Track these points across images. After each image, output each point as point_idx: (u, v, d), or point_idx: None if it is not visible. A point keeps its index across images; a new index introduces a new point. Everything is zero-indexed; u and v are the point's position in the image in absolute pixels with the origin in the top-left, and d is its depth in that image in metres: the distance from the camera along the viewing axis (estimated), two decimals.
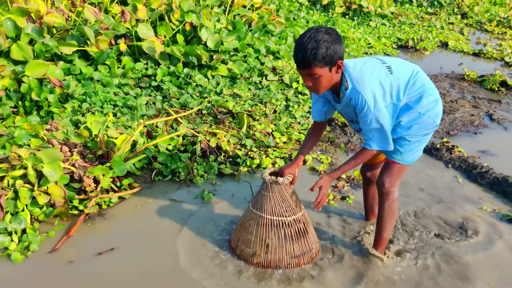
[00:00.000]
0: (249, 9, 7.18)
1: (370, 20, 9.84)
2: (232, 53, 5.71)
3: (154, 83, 4.97)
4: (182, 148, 3.94)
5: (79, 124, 4.00)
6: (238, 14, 6.91)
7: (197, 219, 3.18)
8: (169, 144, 3.89)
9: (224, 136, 4.04)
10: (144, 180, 3.61)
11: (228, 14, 6.73)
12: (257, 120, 4.46)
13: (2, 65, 4.22)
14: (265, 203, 2.64)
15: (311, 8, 9.97)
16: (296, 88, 5.25)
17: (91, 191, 3.23)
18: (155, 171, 3.68)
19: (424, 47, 8.34)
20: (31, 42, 4.77)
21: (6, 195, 2.93)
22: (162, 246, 2.89)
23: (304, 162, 3.97)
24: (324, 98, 2.59)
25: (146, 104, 4.62)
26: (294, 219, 2.66)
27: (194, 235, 3.00)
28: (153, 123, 4.13)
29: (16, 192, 2.99)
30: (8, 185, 3.02)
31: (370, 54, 7.50)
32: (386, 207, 2.69)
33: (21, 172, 3.07)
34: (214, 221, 3.16)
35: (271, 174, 2.71)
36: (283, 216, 2.63)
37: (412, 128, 2.49)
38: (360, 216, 3.27)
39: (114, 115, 4.27)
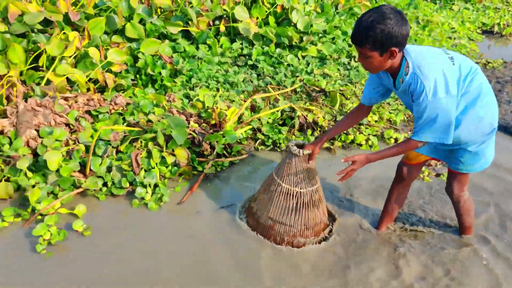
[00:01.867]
0: None
1: (453, 3, 9.68)
2: (321, 35, 5.97)
3: (249, 62, 5.35)
4: (280, 122, 4.29)
5: (188, 97, 4.45)
6: None
7: None
8: (269, 118, 4.26)
9: (319, 113, 4.35)
10: (249, 149, 4.01)
11: None
12: (349, 99, 4.72)
13: (122, 42, 4.75)
14: (285, 171, 2.83)
15: None
16: None
17: (208, 155, 3.67)
18: (258, 141, 4.06)
19: (510, 33, 8.16)
20: (141, 21, 5.28)
21: (141, 153, 3.42)
22: None
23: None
24: (379, 83, 2.58)
25: (243, 81, 5.01)
26: (307, 190, 2.84)
27: None
28: (253, 99, 4.50)
29: (148, 152, 3.47)
30: (141, 146, 3.51)
31: (454, 39, 7.46)
32: (461, 208, 2.84)
33: (151, 135, 3.55)
34: None
35: (298, 146, 2.88)
36: (296, 186, 2.82)
37: (471, 134, 2.41)
38: None
39: (217, 89, 4.69)
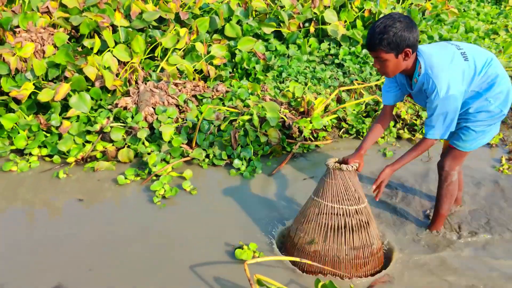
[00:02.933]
0: None
1: None
2: None
3: (336, 61, 5.70)
4: (364, 114, 4.61)
5: (279, 89, 4.90)
6: (412, 4, 7.31)
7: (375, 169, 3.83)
8: (354, 110, 4.59)
9: (402, 107, 4.60)
10: (333, 136, 4.37)
11: (402, 2, 7.19)
12: None
13: (222, 40, 5.33)
14: (327, 191, 2.57)
15: (482, 0, 9.82)
16: None
17: (297, 137, 4.08)
18: (342, 129, 4.41)
19: None
20: (238, 22, 5.84)
21: (238, 132, 3.90)
22: None
23: None
24: (396, 83, 2.70)
25: (329, 77, 5.38)
26: (356, 209, 2.56)
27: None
28: (339, 92, 4.85)
29: (245, 131, 3.96)
30: (239, 126, 4.00)
31: None
32: (444, 188, 2.87)
33: (248, 117, 4.02)
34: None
35: (338, 162, 2.65)
36: (344, 204, 2.54)
37: (479, 116, 2.58)
38: None
39: (305, 84, 5.10)
